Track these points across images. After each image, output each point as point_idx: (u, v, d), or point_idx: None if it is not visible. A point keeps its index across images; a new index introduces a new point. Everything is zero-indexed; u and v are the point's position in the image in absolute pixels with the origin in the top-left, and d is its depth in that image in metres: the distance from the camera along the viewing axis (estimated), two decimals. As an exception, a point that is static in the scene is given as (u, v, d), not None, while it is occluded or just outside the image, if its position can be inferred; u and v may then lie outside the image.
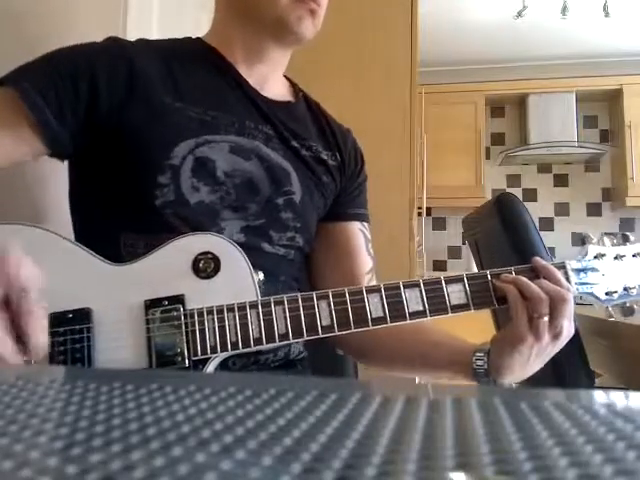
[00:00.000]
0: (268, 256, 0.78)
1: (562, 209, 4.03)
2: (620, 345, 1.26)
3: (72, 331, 0.65)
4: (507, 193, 1.41)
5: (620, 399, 0.29)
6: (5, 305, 0.53)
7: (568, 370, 1.19)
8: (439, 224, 4.18)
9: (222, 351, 0.66)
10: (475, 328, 1.20)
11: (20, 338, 0.54)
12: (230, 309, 0.67)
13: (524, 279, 0.71)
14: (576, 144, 3.83)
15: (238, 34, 0.84)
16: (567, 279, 0.73)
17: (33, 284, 0.54)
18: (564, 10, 3.05)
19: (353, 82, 1.67)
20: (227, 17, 0.85)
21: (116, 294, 0.67)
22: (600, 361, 1.34)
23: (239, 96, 0.83)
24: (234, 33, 0.84)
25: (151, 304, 0.67)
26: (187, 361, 0.65)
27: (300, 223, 0.82)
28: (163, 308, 0.66)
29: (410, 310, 0.70)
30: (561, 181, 4.06)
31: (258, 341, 0.67)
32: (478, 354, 0.74)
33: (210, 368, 0.67)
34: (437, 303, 0.71)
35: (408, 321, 0.70)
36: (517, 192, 3.97)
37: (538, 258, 0.74)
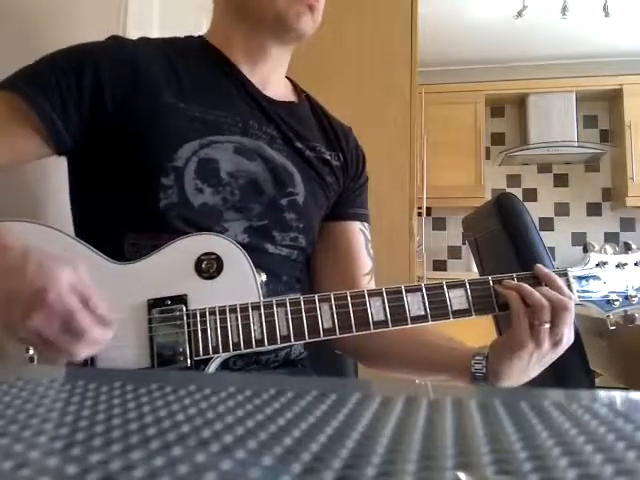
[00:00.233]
0: (271, 257, 0.78)
1: (562, 209, 4.03)
2: (620, 345, 1.26)
3: None
4: (507, 193, 1.41)
5: (620, 399, 0.29)
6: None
7: (568, 370, 1.19)
8: (439, 224, 4.18)
9: (224, 351, 0.66)
10: (475, 332, 1.20)
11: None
12: (232, 310, 0.67)
13: (527, 286, 0.71)
14: (576, 144, 3.82)
15: (238, 33, 0.83)
16: (569, 287, 0.73)
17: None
18: (564, 10, 3.05)
19: (353, 82, 1.66)
20: (226, 16, 0.85)
21: (119, 293, 0.67)
22: (600, 361, 1.34)
23: (242, 95, 0.82)
24: (234, 32, 0.84)
25: (154, 303, 0.67)
26: (189, 361, 0.66)
27: (303, 224, 0.82)
28: (166, 308, 0.67)
29: (412, 314, 0.70)
30: (561, 181, 4.06)
31: (260, 342, 0.67)
32: (477, 358, 0.74)
33: (212, 368, 0.67)
34: (438, 308, 0.71)
35: (409, 325, 0.70)
36: (517, 192, 3.97)
37: (540, 265, 0.74)
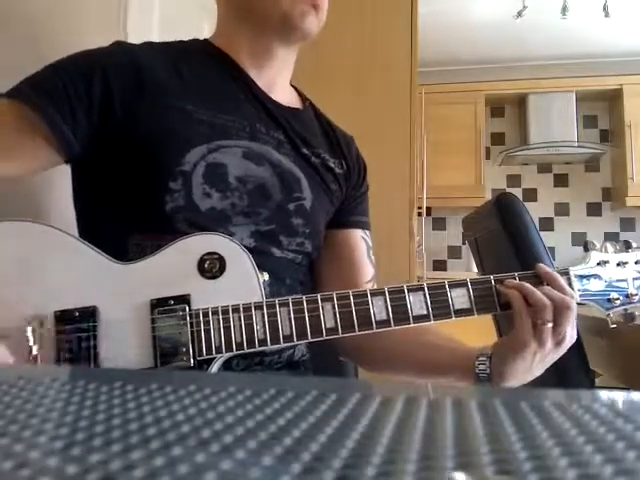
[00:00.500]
0: (277, 260, 0.78)
1: (562, 209, 4.03)
2: (620, 345, 1.26)
3: (78, 329, 0.65)
4: (507, 193, 1.41)
5: (620, 399, 0.29)
6: None
7: (568, 370, 1.19)
8: (439, 224, 4.18)
9: (227, 351, 0.67)
10: (475, 332, 1.20)
11: None
12: (235, 310, 0.67)
13: (528, 285, 0.71)
14: (576, 144, 3.83)
15: (243, 35, 0.83)
16: (570, 285, 0.73)
17: None
18: (564, 10, 3.05)
19: (353, 82, 1.67)
20: (229, 18, 0.84)
21: (122, 293, 0.67)
22: (600, 361, 1.34)
23: (249, 99, 0.82)
24: (239, 34, 0.83)
25: (157, 303, 0.67)
26: (192, 361, 0.66)
27: (310, 229, 0.82)
28: (169, 307, 0.67)
29: (414, 314, 0.70)
30: (561, 181, 4.06)
31: (263, 342, 0.67)
32: (481, 359, 0.74)
33: (214, 368, 0.67)
34: (441, 307, 0.71)
35: (412, 325, 0.70)
36: (517, 192, 3.97)
37: (542, 264, 0.74)
